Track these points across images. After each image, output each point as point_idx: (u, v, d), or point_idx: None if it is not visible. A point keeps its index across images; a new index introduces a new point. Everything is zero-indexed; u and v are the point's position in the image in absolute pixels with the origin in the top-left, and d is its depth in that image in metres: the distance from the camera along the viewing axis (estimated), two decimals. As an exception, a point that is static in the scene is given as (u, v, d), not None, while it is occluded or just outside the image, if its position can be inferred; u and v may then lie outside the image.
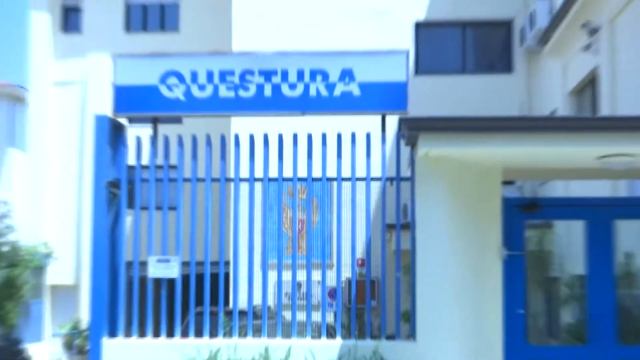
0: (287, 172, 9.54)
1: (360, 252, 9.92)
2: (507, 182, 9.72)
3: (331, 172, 9.38)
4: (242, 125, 14.24)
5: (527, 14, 22.21)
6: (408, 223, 9.29)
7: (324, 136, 9.35)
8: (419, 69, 22.61)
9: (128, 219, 10.05)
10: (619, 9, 14.79)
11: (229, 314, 10.09)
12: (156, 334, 9.49)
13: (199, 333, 9.40)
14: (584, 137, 8.25)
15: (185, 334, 9.51)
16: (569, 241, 12.32)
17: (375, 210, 10.07)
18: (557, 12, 18.24)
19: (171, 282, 9.41)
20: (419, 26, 23.00)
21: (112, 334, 9.40)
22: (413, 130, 8.17)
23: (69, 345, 26.51)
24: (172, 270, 9.37)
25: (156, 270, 9.39)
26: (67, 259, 28.61)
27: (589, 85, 17.21)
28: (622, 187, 13.46)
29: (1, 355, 21.91)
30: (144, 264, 9.51)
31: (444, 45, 23.31)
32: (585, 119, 12.37)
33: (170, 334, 9.43)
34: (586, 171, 9.70)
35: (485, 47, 23.49)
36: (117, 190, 9.63)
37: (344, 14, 22.73)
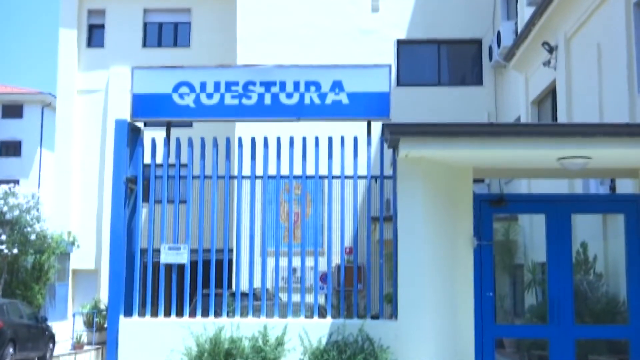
0: (285, 171, 9.55)
1: (348, 242, 9.94)
2: (477, 180, 9.77)
3: (323, 171, 9.41)
4: (245, 130, 14.29)
5: (494, 34, 22.31)
6: (390, 216, 9.30)
7: (316, 139, 9.38)
8: (400, 81, 22.60)
9: (143, 211, 10.09)
10: (573, 31, 14.88)
11: (232, 295, 10.11)
12: (167, 313, 9.48)
13: (205, 313, 9.45)
14: (544, 142, 8.31)
15: (193, 313, 9.53)
16: (531, 232, 12.45)
17: (361, 204, 10.11)
18: (520, 32, 18.33)
19: (181, 267, 9.39)
20: (400, 43, 23.03)
21: (128, 313, 9.40)
22: (395, 134, 8.20)
23: (89, 323, 26.39)
24: (182, 256, 9.36)
25: (168, 256, 9.38)
26: (89, 246, 28.56)
27: (548, 95, 17.28)
28: (577, 185, 13.51)
29: (31, 332, 21.86)
30: (157, 251, 9.55)
31: (421, 61, 23.33)
32: (545, 126, 12.41)
33: (180, 313, 9.43)
34: (546, 171, 9.76)
35: (457, 62, 23.52)
36: (134, 186, 9.65)
37: (335, 32, 22.72)
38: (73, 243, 27.63)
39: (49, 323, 24.30)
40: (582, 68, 14.48)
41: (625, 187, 11.80)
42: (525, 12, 18.92)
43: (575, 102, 14.72)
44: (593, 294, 10.59)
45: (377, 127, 9.45)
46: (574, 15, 14.65)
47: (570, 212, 9.65)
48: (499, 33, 21.37)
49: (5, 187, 25.19)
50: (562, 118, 15.18)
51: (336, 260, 10.90)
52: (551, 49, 15.83)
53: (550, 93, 16.96)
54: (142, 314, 9.58)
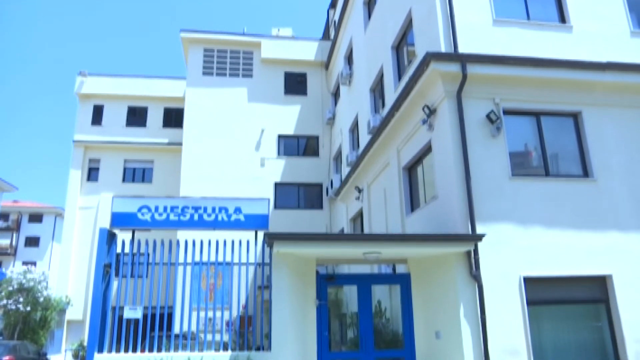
0: (205, 258, 9.24)
1: (243, 301, 9.59)
2: (320, 265, 9.73)
3: (228, 259, 9.17)
4: (182, 235, 13.76)
5: (329, 181, 22.85)
6: (267, 286, 9.11)
7: (224, 241, 9.20)
8: (276, 206, 22.58)
9: (115, 283, 9.37)
10: (371, 181, 15.33)
11: (169, 337, 9.41)
12: (126, 350, 8.74)
13: (151, 349, 8.73)
14: (356, 244, 8.47)
15: (143, 349, 8.80)
16: (350, 294, 12.30)
17: (251, 279, 9.84)
18: (343, 180, 18.81)
19: (137, 320, 8.74)
20: (276, 185, 23.16)
21: (100, 350, 8.58)
22: (271, 239, 8.10)
23: (76, 356, 23.74)
24: (137, 313, 8.70)
25: (128, 313, 8.71)
26: (79, 304, 26.06)
27: (359, 216, 17.51)
28: (375, 268, 13.67)
29: (34, 362, 19.34)
30: (121, 308, 8.86)
31: (288, 195, 23.43)
32: (356, 235, 12.69)
33: (135, 350, 8.70)
34: (357, 260, 9.85)
35: (308, 195, 23.74)
36: (109, 269, 9.01)
37: (238, 177, 22.54)
38: (68, 303, 25.26)
39: (48, 356, 21.68)
40: (376, 202, 14.89)
41: (400, 269, 12.05)
42: (345, 170, 19.61)
43: (373, 221, 15.05)
44: (385, 331, 10.53)
45: (261, 234, 9.36)
46: (371, 173, 15.18)
47: (371, 284, 9.77)
48: (331, 181, 21.86)
49: (24, 267, 23.33)
50: (366, 230, 15.43)
51: (236, 312, 10.38)
52: (360, 191, 16.27)
53: (360, 215, 17.21)
54: (109, 350, 8.74)
